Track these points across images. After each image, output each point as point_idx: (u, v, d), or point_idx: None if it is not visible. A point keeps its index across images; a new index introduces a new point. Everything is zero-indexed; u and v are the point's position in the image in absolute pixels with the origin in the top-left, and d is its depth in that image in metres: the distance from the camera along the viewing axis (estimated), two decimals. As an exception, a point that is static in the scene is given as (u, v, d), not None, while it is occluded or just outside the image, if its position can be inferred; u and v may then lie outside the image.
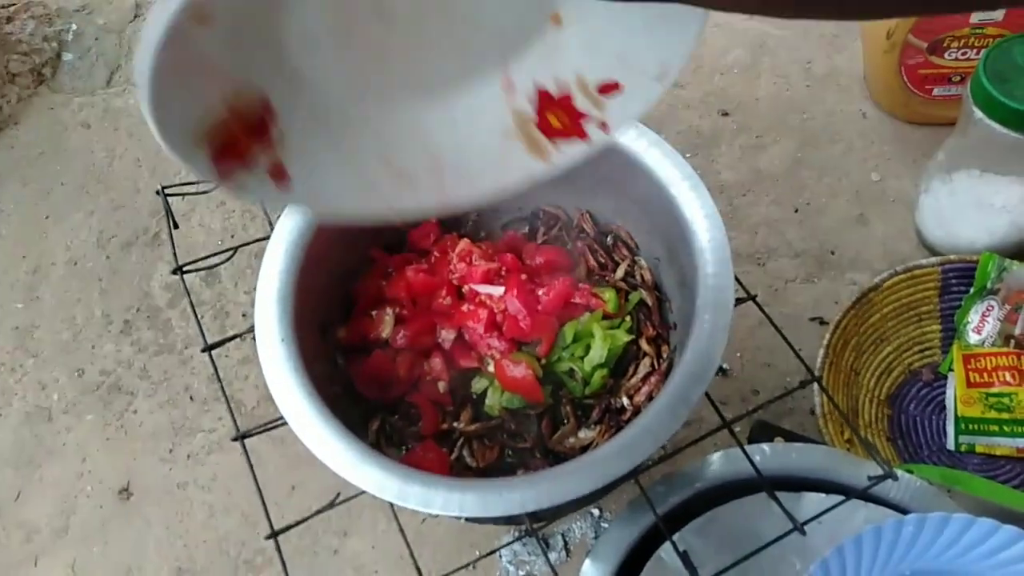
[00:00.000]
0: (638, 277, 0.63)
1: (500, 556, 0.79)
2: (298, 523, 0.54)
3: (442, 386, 0.58)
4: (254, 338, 0.96)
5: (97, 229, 1.10)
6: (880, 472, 0.56)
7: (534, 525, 0.54)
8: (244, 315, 1.00)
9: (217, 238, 1.05)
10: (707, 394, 0.55)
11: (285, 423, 0.55)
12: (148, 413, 0.94)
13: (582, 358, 0.58)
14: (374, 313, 0.60)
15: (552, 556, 0.79)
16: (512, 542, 0.74)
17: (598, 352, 0.57)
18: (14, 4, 1.34)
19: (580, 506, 0.75)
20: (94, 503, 0.90)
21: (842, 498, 0.58)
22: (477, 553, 0.78)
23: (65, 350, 1.00)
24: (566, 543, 0.80)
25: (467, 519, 0.67)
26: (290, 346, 0.50)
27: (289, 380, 0.49)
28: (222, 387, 0.59)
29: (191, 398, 0.95)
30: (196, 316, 0.61)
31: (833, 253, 0.95)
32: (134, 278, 1.05)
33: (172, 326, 1.01)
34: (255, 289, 1.01)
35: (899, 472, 0.59)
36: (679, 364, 0.50)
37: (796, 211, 0.98)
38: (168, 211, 0.67)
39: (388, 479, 0.44)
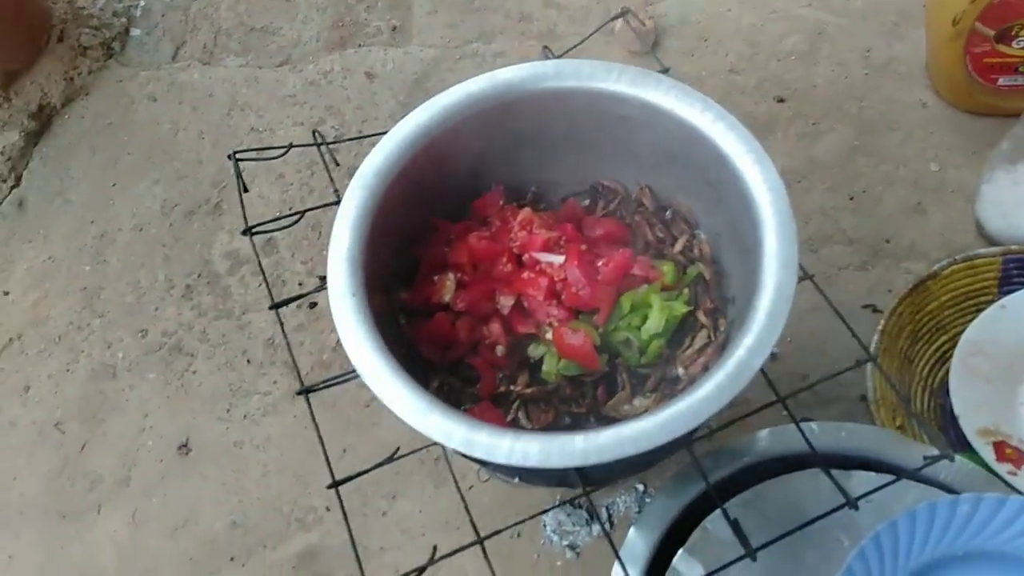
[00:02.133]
0: (696, 251, 0.63)
1: (545, 525, 0.81)
2: (360, 474, 0.56)
3: (500, 350, 0.60)
4: (312, 305, 0.99)
5: (161, 197, 1.14)
6: (936, 453, 0.56)
7: (586, 489, 0.55)
8: (300, 284, 1.03)
9: (276, 208, 1.08)
10: (762, 370, 0.56)
11: (350, 378, 0.57)
12: (207, 374, 0.98)
13: (639, 328, 0.59)
14: (436, 278, 0.62)
15: (596, 528, 0.80)
16: (560, 504, 0.76)
17: (655, 322, 0.58)
18: (86, -20, 1.39)
19: (634, 471, 0.76)
20: (154, 457, 0.94)
21: (894, 477, 0.58)
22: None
23: (129, 312, 1.05)
24: (610, 515, 0.81)
25: (521, 479, 0.68)
26: (360, 300, 0.52)
27: (359, 332, 0.51)
28: (287, 342, 0.61)
29: (248, 361, 0.98)
30: (264, 276, 0.63)
31: (888, 242, 0.94)
32: (196, 245, 1.09)
33: (231, 292, 1.04)
34: (311, 259, 1.05)
35: (955, 455, 0.59)
36: (738, 336, 0.50)
37: (851, 199, 0.98)
38: (239, 175, 0.69)
39: (455, 427, 0.46)
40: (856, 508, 0.54)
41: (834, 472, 0.57)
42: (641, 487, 0.82)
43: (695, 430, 0.48)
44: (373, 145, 0.60)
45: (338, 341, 0.97)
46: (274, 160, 1.09)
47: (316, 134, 0.71)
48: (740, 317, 0.54)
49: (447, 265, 0.62)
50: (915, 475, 0.59)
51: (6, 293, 1.09)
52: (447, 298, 0.61)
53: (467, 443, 0.45)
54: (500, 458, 0.44)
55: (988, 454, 0.70)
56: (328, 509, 0.87)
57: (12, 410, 1.00)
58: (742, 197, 0.54)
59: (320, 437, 0.57)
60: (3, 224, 1.15)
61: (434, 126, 0.59)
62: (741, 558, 0.52)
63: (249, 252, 1.07)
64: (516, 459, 0.44)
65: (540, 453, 0.45)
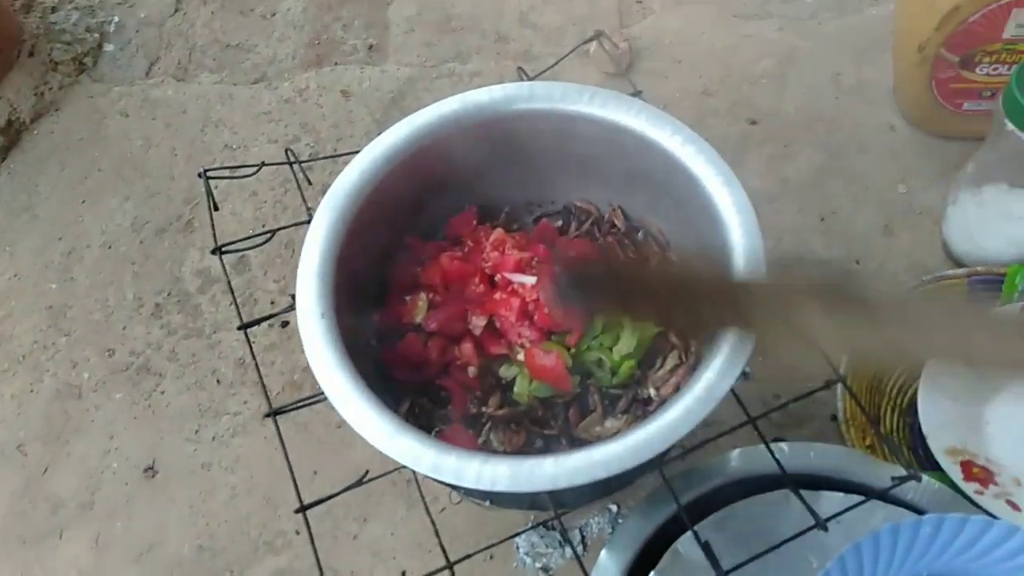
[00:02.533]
0: (667, 273, 0.64)
1: (517, 547, 0.80)
2: (328, 498, 0.55)
3: (472, 371, 0.60)
4: (284, 324, 0.98)
5: (132, 214, 1.12)
6: (904, 473, 0.57)
7: (558, 511, 0.55)
8: (272, 303, 1.02)
9: (248, 226, 1.07)
10: (733, 391, 0.56)
11: (318, 400, 0.57)
12: (175, 394, 0.96)
13: (611, 348, 0.59)
14: (408, 298, 0.62)
15: (568, 550, 0.79)
16: (531, 528, 0.75)
17: (627, 343, 0.58)
18: (59, -6, 1.38)
19: (605, 493, 0.75)
20: (119, 480, 0.91)
21: (863, 497, 0.58)
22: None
23: (96, 330, 1.03)
24: (583, 537, 0.81)
25: (493, 502, 0.68)
26: (329, 321, 0.52)
27: (327, 353, 0.50)
28: (256, 364, 0.60)
29: (218, 381, 0.97)
30: (233, 295, 0.62)
31: (858, 263, 0.95)
32: (166, 263, 1.07)
33: (201, 311, 1.03)
34: (284, 278, 1.04)
35: (923, 475, 0.59)
36: (708, 357, 0.51)
37: (822, 220, 0.99)
38: (209, 192, 0.69)
39: (424, 451, 0.45)
40: (826, 529, 0.54)
41: (804, 492, 0.58)
42: (614, 507, 0.82)
43: (666, 452, 0.48)
44: (347, 164, 0.60)
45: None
46: (247, 178, 1.08)
47: (289, 152, 0.70)
48: (711, 338, 0.54)
49: (419, 285, 0.62)
50: (883, 496, 0.59)
51: (-31, 311, 1.07)
52: (419, 319, 0.61)
53: (435, 468, 0.45)
54: (469, 482, 0.44)
55: (956, 473, 0.70)
56: (298, 532, 0.85)
57: (-27, 431, 0.97)
58: (712, 219, 0.55)
59: (288, 461, 0.57)
60: (-32, 241, 1.13)
61: (407, 146, 0.59)
62: (711, 581, 0.52)
63: (219, 271, 1.05)
64: (485, 483, 0.44)
65: (509, 477, 0.44)
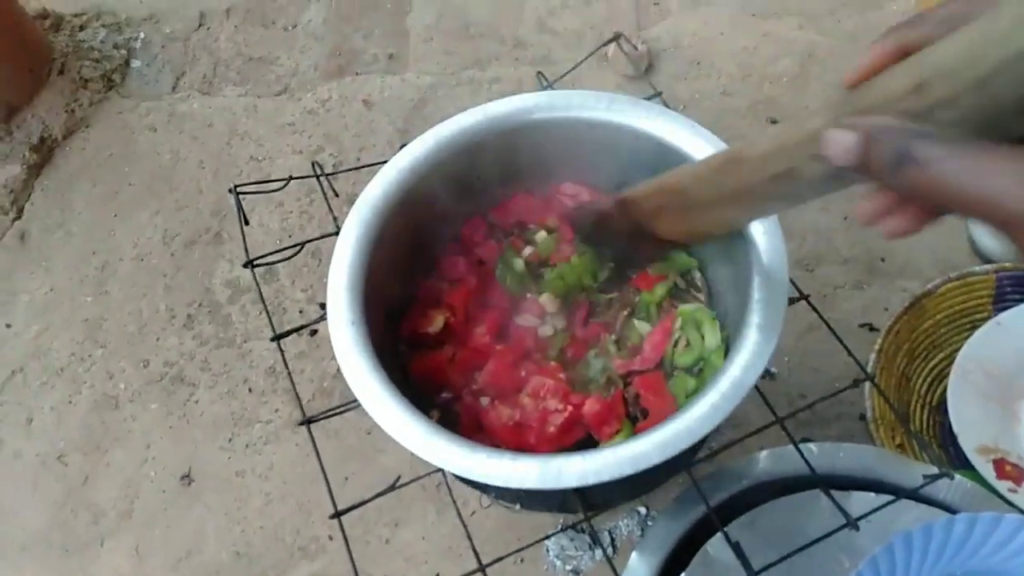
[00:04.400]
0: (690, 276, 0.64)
1: (547, 550, 0.81)
2: (362, 503, 0.56)
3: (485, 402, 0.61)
4: (312, 332, 1.00)
5: (162, 228, 1.15)
6: (935, 471, 0.57)
7: (587, 513, 0.55)
8: (301, 312, 1.04)
9: (276, 237, 1.09)
10: (758, 389, 0.57)
11: (349, 407, 0.58)
12: (209, 403, 0.98)
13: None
14: (428, 312, 0.63)
15: (598, 552, 0.80)
16: (561, 531, 0.76)
17: (713, 338, 0.60)
18: (86, 13, 1.41)
19: (634, 495, 0.76)
20: (157, 488, 0.94)
21: (893, 497, 0.58)
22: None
23: (131, 342, 1.05)
24: (613, 539, 0.81)
25: (522, 505, 0.69)
26: (359, 329, 0.53)
27: (358, 360, 0.51)
28: (289, 373, 0.62)
29: (249, 390, 0.99)
30: (266, 307, 0.64)
31: (883, 260, 0.95)
32: (196, 274, 1.09)
33: (232, 321, 1.05)
34: (311, 287, 1.05)
35: (954, 473, 0.59)
36: (732, 354, 0.51)
37: (845, 219, 0.99)
38: (240, 207, 0.70)
39: (454, 452, 0.46)
40: (857, 528, 0.54)
41: (834, 492, 0.58)
42: (643, 510, 0.82)
43: (694, 450, 0.49)
44: (371, 174, 0.61)
45: (339, 368, 0.98)
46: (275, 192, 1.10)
47: (315, 165, 0.72)
48: (733, 335, 0.55)
49: (441, 302, 0.63)
50: (914, 494, 0.59)
51: (8, 326, 1.10)
52: (432, 329, 0.61)
53: (466, 468, 0.46)
54: (498, 481, 0.45)
55: (988, 472, 0.70)
56: (331, 538, 0.87)
57: (15, 442, 1.00)
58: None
59: (322, 467, 0.58)
60: (5, 256, 1.16)
61: (430, 159, 0.60)
62: (743, 581, 0.52)
63: (249, 281, 1.07)
64: (515, 482, 0.45)
65: (538, 475, 0.45)
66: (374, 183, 0.59)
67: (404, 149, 0.60)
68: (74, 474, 0.96)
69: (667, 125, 0.59)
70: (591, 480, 0.45)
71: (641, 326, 0.63)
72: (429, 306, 0.64)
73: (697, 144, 0.58)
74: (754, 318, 0.51)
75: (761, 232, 0.54)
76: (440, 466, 0.47)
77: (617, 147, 0.61)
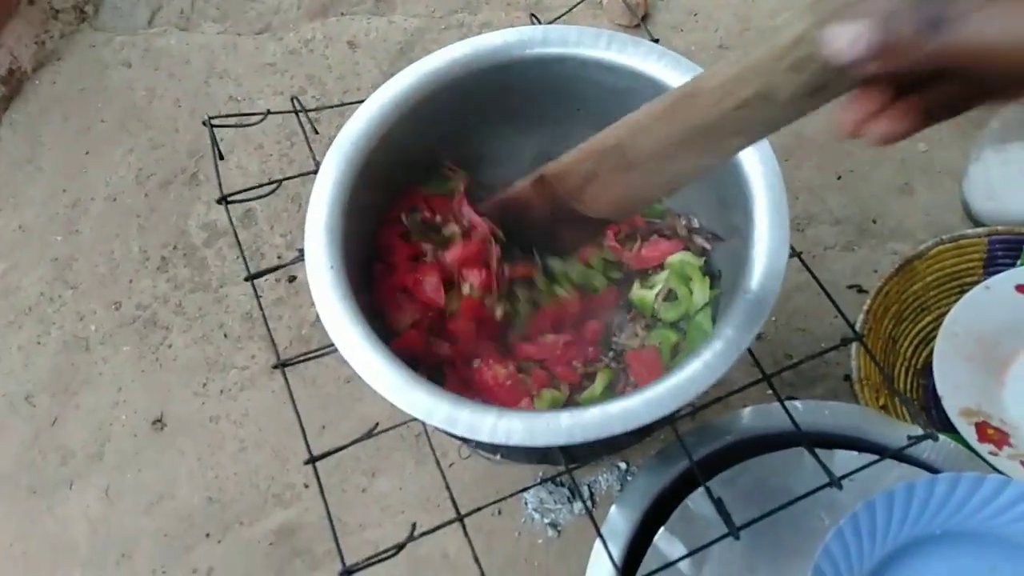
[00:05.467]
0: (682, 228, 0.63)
1: (526, 503, 0.80)
2: (338, 450, 0.54)
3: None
4: (291, 279, 0.98)
5: (136, 167, 1.11)
6: (920, 432, 0.56)
7: (569, 466, 0.54)
8: (279, 257, 1.01)
9: (254, 180, 1.06)
10: (748, 349, 0.55)
11: (327, 352, 0.56)
12: (183, 348, 0.96)
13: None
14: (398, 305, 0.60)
15: (577, 505, 0.80)
16: (540, 483, 0.75)
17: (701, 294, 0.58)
18: (58, -60, 1.34)
19: (618, 448, 0.75)
20: (128, 432, 0.92)
21: (877, 456, 0.58)
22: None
23: (103, 283, 1.02)
24: (592, 494, 0.81)
25: (503, 456, 0.67)
26: (338, 273, 0.50)
27: (337, 305, 0.49)
28: (263, 315, 0.59)
29: (225, 335, 0.96)
30: (240, 246, 0.61)
31: (875, 222, 0.93)
32: (171, 216, 1.06)
33: (208, 265, 1.02)
34: (291, 232, 1.02)
35: (939, 434, 0.58)
36: (726, 314, 0.49)
37: (839, 178, 0.97)
38: (214, 141, 0.67)
39: (437, 404, 0.45)
40: (840, 487, 0.54)
41: (817, 451, 0.57)
42: (623, 465, 0.81)
43: (673, 413, 0.47)
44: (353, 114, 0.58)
45: (317, 316, 0.96)
46: (252, 129, 1.06)
47: (295, 101, 0.68)
48: (728, 295, 0.53)
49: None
50: (898, 454, 0.59)
51: (-25, 263, 1.06)
52: (401, 327, 0.59)
53: (449, 420, 0.44)
54: (483, 436, 0.43)
55: (970, 434, 0.70)
56: (307, 486, 0.86)
57: (-19, 382, 0.97)
58: (733, 171, 0.53)
59: (297, 411, 0.56)
60: (-29, 192, 1.12)
61: (416, 93, 0.57)
62: (724, 536, 0.52)
63: (226, 224, 1.04)
64: (500, 437, 0.43)
65: (524, 431, 0.44)
66: (356, 117, 0.56)
67: (389, 82, 0.57)
68: (42, 415, 0.94)
69: (672, 70, 0.56)
70: (578, 438, 0.44)
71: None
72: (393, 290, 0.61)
73: None
74: (752, 281, 0.49)
75: (763, 189, 0.52)
76: (422, 419, 0.45)
77: (616, 90, 0.58)
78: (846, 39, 0.29)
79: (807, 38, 0.32)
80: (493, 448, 0.66)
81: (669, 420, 0.53)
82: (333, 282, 0.50)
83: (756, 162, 0.51)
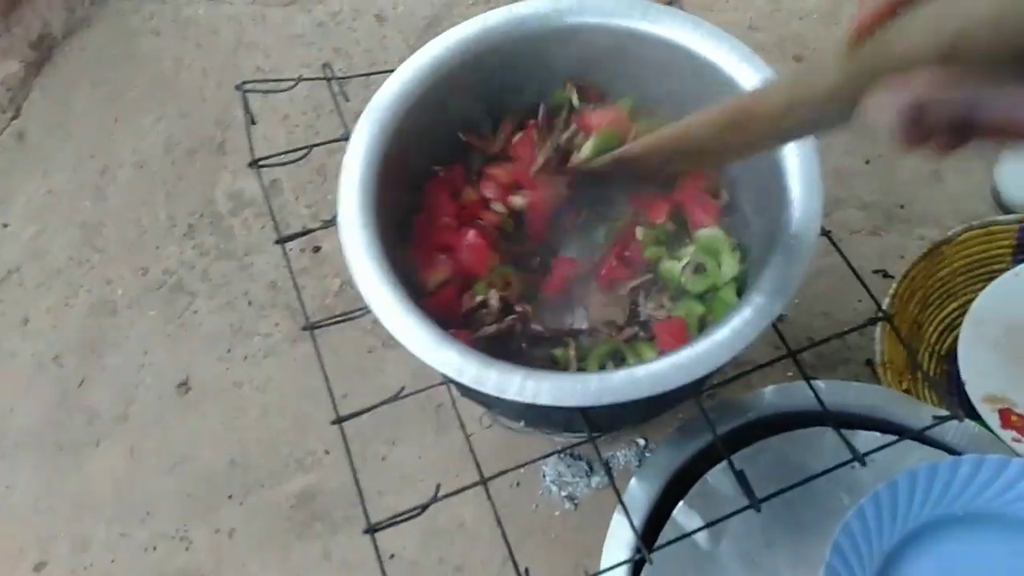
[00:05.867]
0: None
1: (544, 476, 0.81)
2: (364, 411, 0.55)
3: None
4: (316, 249, 0.98)
5: (164, 135, 1.12)
6: (944, 413, 0.56)
7: (592, 435, 0.55)
8: (303, 227, 1.01)
9: (280, 149, 1.06)
10: (775, 326, 0.55)
11: (357, 315, 0.56)
12: (208, 314, 0.97)
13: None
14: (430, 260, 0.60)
15: (595, 479, 0.80)
16: (560, 452, 0.76)
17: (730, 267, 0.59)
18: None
19: (641, 419, 0.75)
20: (153, 394, 0.93)
21: (898, 436, 0.58)
22: (522, 468, 0.79)
23: (130, 249, 1.03)
24: (609, 469, 0.81)
25: (527, 423, 0.68)
26: (372, 232, 0.51)
27: (370, 264, 0.50)
28: (293, 278, 0.60)
29: (249, 303, 0.97)
30: (271, 210, 0.62)
31: (902, 207, 0.92)
32: (198, 184, 1.07)
33: (234, 233, 1.03)
34: (316, 203, 1.03)
35: (963, 416, 0.58)
36: (756, 281, 0.49)
37: (868, 163, 0.96)
38: (246, 106, 0.68)
39: (466, 363, 0.45)
40: (864, 463, 0.54)
41: (841, 430, 0.57)
42: (642, 441, 0.82)
43: (708, 376, 0.48)
44: (383, 84, 0.58)
45: (341, 285, 0.97)
46: (279, 100, 1.07)
47: (326, 68, 0.69)
48: (758, 262, 0.53)
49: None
50: (921, 435, 0.59)
51: (5, 225, 1.08)
52: (432, 284, 0.59)
53: (478, 379, 0.45)
54: (511, 395, 0.44)
55: (993, 421, 0.69)
56: (327, 452, 0.87)
57: (11, 342, 0.99)
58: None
59: (325, 373, 0.57)
60: (3, 156, 1.13)
61: (450, 59, 0.57)
62: (745, 508, 0.52)
63: (252, 194, 1.05)
64: (527, 396, 0.44)
65: (551, 391, 0.44)
66: (391, 80, 0.57)
67: (424, 47, 0.57)
68: (70, 376, 0.96)
69: (709, 41, 0.56)
70: (606, 400, 0.44)
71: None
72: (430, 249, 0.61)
73: (743, 71, 0.55)
74: (783, 247, 0.49)
75: (797, 160, 0.52)
76: (452, 376, 0.46)
77: (652, 61, 0.58)
78: (883, 113, 0.30)
79: (848, 90, 0.33)
80: (517, 415, 0.67)
81: (696, 388, 0.54)
82: (367, 241, 0.51)
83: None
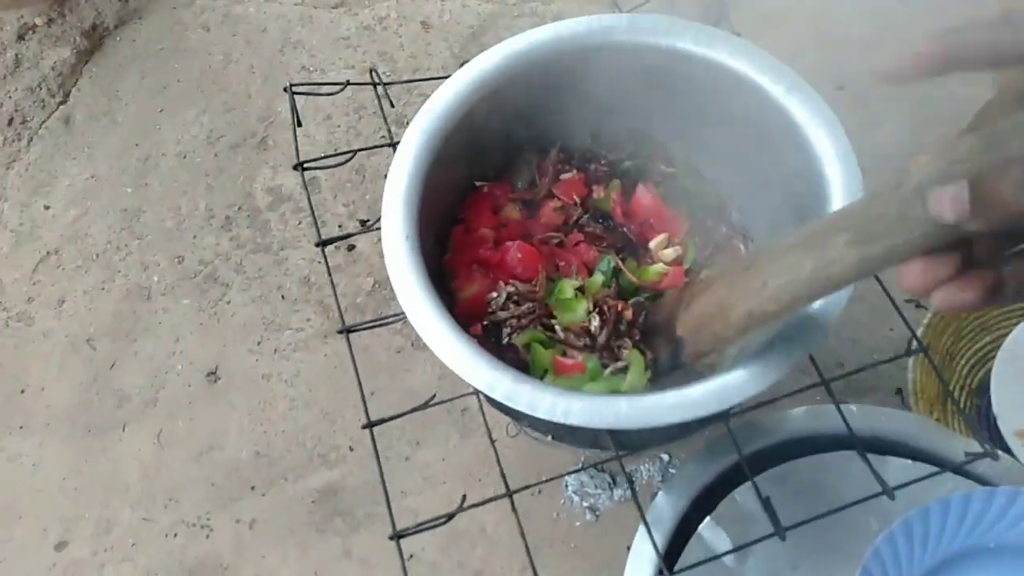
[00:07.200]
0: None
1: (567, 486, 0.81)
2: (395, 417, 0.55)
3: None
4: (350, 248, 1.00)
5: (208, 127, 1.14)
6: (976, 446, 0.56)
7: (619, 453, 0.55)
8: (340, 226, 1.03)
9: (321, 150, 1.08)
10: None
11: (393, 320, 0.57)
12: (241, 305, 0.98)
13: None
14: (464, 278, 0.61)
15: (617, 492, 0.80)
16: (583, 468, 0.76)
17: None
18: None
19: (669, 440, 0.75)
20: (183, 381, 0.94)
21: (936, 468, 0.58)
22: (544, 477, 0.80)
23: (168, 237, 1.05)
24: (632, 483, 0.81)
25: (554, 437, 0.68)
26: (413, 244, 0.51)
27: (411, 276, 0.50)
28: (331, 278, 0.60)
29: (282, 297, 0.98)
30: (312, 210, 0.62)
31: (938, 239, 0.92)
32: (239, 178, 1.09)
33: (271, 228, 1.04)
34: (352, 202, 1.05)
35: (999, 453, 0.58)
36: (796, 313, 0.50)
37: (904, 193, 0.96)
38: (294, 107, 0.69)
39: (499, 378, 0.45)
40: (892, 497, 0.53)
41: (869, 456, 0.57)
42: (666, 457, 0.82)
43: (728, 409, 0.48)
44: (425, 94, 0.59)
45: (373, 284, 0.98)
46: (322, 101, 1.09)
47: (373, 73, 0.70)
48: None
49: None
50: (959, 469, 0.58)
51: (47, 207, 1.10)
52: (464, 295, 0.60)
53: (510, 395, 0.45)
54: (542, 413, 0.44)
55: (1024, 456, 0.69)
56: (352, 449, 0.88)
57: (46, 322, 1.01)
58: (809, 169, 0.53)
59: (358, 375, 0.57)
60: (49, 139, 1.16)
61: (498, 73, 0.58)
62: (769, 536, 0.52)
63: (291, 190, 1.07)
64: (558, 415, 0.44)
65: (582, 412, 0.44)
66: (441, 91, 0.57)
67: (473, 60, 0.58)
68: (102, 358, 0.97)
69: (760, 69, 0.56)
70: (635, 424, 0.44)
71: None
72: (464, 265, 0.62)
73: (812, 122, 0.55)
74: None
75: (839, 181, 0.52)
76: (484, 391, 0.46)
77: (701, 82, 0.59)
78: (948, 200, 0.31)
79: (915, 197, 0.33)
80: (545, 428, 0.67)
81: (723, 416, 0.54)
82: (408, 251, 0.51)
83: (838, 172, 0.52)
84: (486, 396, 0.54)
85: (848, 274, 0.38)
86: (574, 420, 0.45)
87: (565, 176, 0.66)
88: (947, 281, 0.33)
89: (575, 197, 0.65)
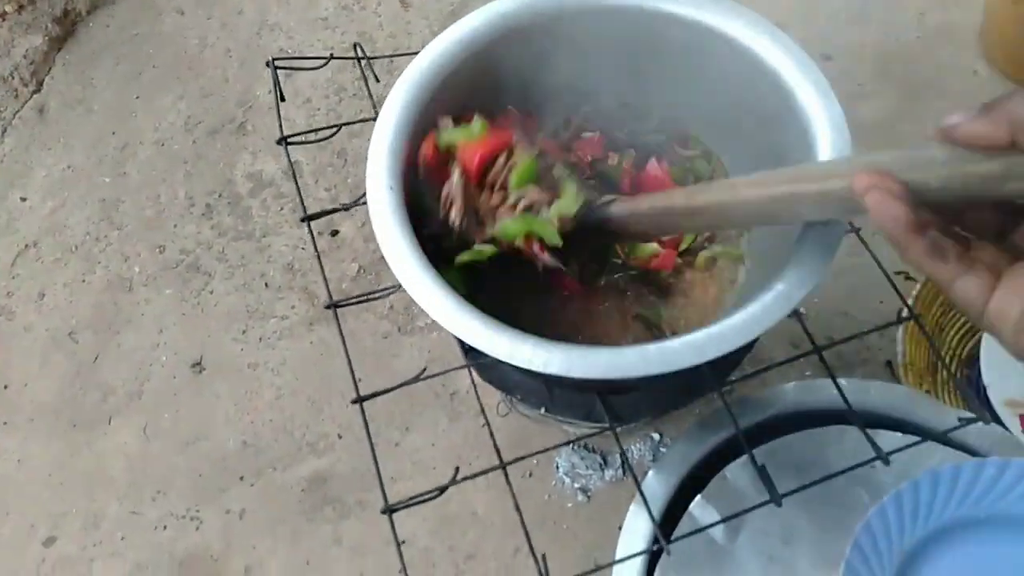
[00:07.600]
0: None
1: (558, 467, 0.81)
2: (387, 390, 0.54)
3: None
4: (333, 233, 0.98)
5: (185, 114, 1.11)
6: (969, 415, 0.55)
7: (613, 424, 0.54)
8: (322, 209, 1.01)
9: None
10: (799, 317, 0.55)
11: (384, 294, 0.56)
12: (224, 294, 0.97)
13: None
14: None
15: (608, 472, 0.80)
16: (576, 440, 0.75)
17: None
18: None
19: (660, 410, 0.74)
20: (168, 373, 0.93)
21: (920, 437, 0.57)
22: (535, 459, 0.79)
23: (148, 226, 1.03)
24: (626, 458, 0.81)
25: (547, 410, 0.68)
26: (396, 194, 0.50)
27: (395, 230, 0.49)
28: (318, 255, 0.59)
29: (266, 285, 0.97)
30: (298, 187, 0.61)
31: (926, 210, 0.92)
32: (218, 164, 1.07)
33: (252, 215, 1.02)
34: (335, 187, 1.03)
35: (988, 418, 0.58)
36: (783, 267, 0.49)
37: (892, 164, 0.95)
38: (276, 82, 0.67)
39: (498, 336, 0.45)
40: (887, 462, 0.53)
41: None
42: (657, 436, 0.81)
43: (724, 368, 0.47)
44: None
45: (358, 270, 0.97)
46: (301, 83, 1.07)
47: (357, 47, 0.68)
48: (799, 242, 0.52)
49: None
50: (944, 437, 0.58)
51: (23, 199, 1.08)
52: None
53: (510, 354, 0.44)
54: (538, 367, 0.44)
55: (1015, 425, 0.69)
56: (340, 436, 0.87)
57: (26, 316, 0.99)
58: (799, 131, 0.53)
59: (347, 351, 0.56)
60: (23, 129, 1.13)
61: (483, 35, 0.57)
62: (765, 503, 0.51)
63: (272, 175, 1.05)
64: (553, 368, 0.43)
65: (582, 364, 0.43)
66: (424, 53, 0.56)
67: (457, 23, 0.57)
68: (84, 352, 0.96)
69: (750, 29, 0.55)
70: (637, 373, 0.43)
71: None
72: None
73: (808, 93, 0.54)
74: (811, 234, 0.49)
75: (828, 145, 0.51)
76: (485, 350, 0.45)
77: (689, 46, 0.58)
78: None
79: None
80: (538, 401, 0.66)
81: (719, 385, 0.53)
82: (393, 203, 0.50)
83: (826, 127, 0.51)
84: (472, 356, 0.53)
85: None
86: (576, 373, 0.44)
87: (587, 135, 0.65)
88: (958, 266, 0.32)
89: (589, 157, 0.64)
